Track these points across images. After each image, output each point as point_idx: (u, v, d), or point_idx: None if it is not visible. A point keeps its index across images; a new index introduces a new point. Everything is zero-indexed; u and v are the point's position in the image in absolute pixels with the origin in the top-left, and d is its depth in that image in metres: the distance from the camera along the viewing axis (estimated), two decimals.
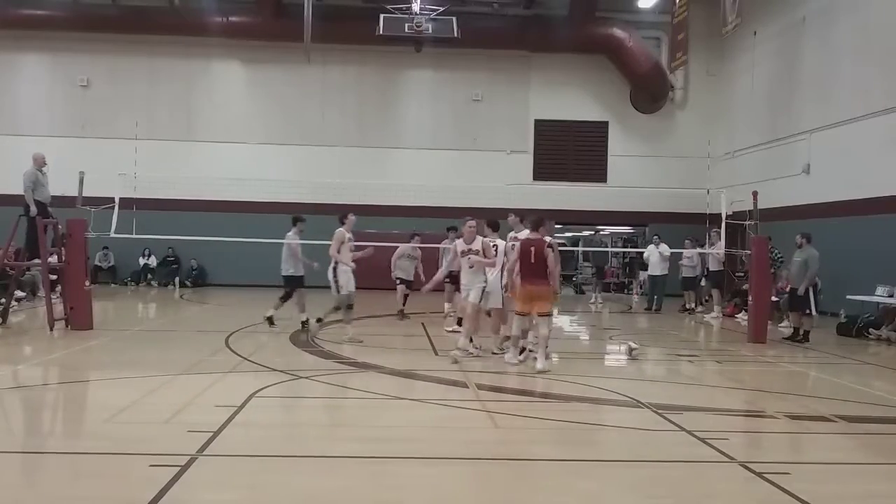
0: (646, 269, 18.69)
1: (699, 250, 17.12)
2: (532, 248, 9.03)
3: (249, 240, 14.91)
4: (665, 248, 17.39)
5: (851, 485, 5.15)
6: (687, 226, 19.26)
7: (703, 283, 18.00)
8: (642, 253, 19.06)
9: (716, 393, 8.45)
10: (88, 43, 22.25)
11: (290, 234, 12.38)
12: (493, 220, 10.46)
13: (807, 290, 12.44)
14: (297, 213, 13.08)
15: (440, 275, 11.27)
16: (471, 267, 9.72)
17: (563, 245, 26.76)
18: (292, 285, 12.47)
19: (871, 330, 13.28)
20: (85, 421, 6.67)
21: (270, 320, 12.31)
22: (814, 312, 12.50)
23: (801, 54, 18.73)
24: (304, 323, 12.11)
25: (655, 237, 18.16)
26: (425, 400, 7.32)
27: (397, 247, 14.62)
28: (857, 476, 5.40)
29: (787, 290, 14.99)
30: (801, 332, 12.56)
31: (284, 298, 12.58)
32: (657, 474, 5.25)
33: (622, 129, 23.84)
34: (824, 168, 17.48)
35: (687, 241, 17.60)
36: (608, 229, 28.19)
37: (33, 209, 11.94)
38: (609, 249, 28.84)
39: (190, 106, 23.05)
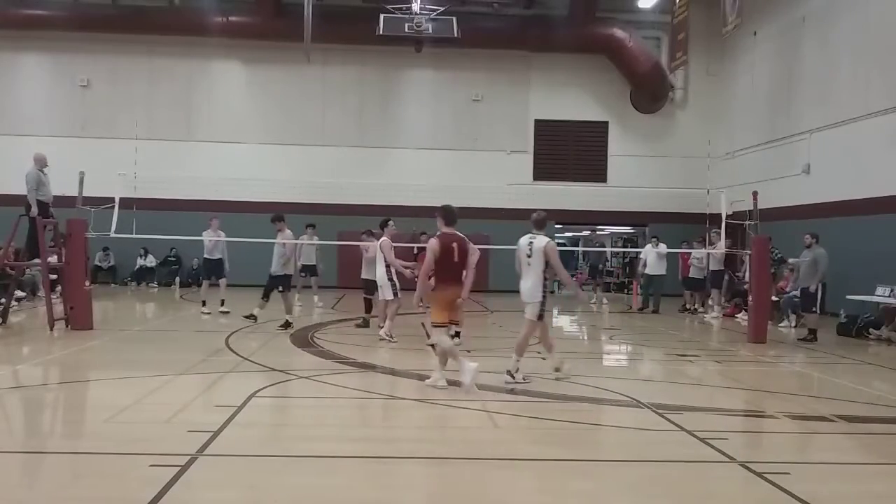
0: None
1: (706, 251, 17.05)
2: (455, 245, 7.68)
3: (249, 240, 14.91)
4: (663, 248, 17.34)
5: (851, 485, 5.14)
6: (687, 226, 19.26)
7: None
8: (639, 253, 19.02)
9: (716, 393, 8.44)
10: (88, 43, 22.26)
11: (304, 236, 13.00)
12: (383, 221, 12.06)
13: (816, 289, 12.49)
14: (278, 212, 13.86)
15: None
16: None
17: (563, 245, 26.76)
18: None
19: (871, 330, 13.28)
20: (85, 421, 6.67)
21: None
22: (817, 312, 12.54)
23: (801, 54, 18.72)
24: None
25: (654, 238, 18.10)
26: (425, 400, 7.32)
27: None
28: (857, 476, 5.40)
29: (787, 290, 14.99)
30: (809, 331, 12.62)
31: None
32: (657, 474, 5.24)
33: (622, 129, 23.84)
34: (824, 168, 17.48)
35: (697, 242, 17.54)
36: (608, 229, 28.16)
37: (34, 210, 11.94)
38: (606, 249, 28.81)
39: (190, 106, 23.05)
